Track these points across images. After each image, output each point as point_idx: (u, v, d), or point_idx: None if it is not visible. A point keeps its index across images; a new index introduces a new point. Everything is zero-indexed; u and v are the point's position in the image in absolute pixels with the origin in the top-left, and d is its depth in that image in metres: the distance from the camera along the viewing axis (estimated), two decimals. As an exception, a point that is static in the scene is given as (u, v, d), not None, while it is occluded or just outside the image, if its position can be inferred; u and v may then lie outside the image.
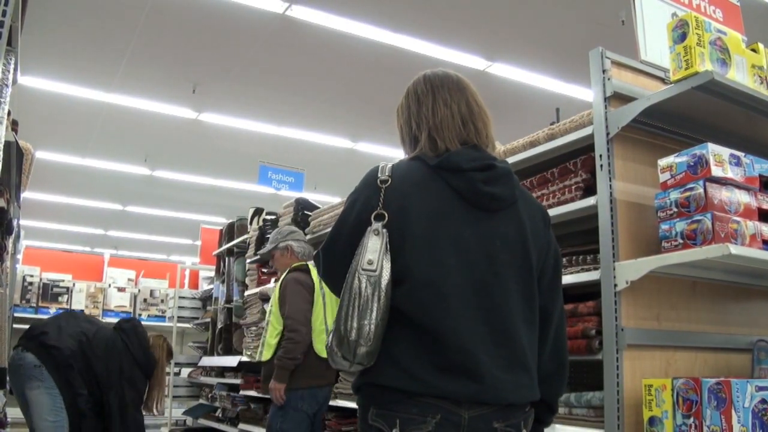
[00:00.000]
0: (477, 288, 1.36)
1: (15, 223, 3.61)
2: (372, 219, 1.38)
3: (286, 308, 3.30)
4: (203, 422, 6.10)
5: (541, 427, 1.53)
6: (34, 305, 7.70)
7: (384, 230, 1.37)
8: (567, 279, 2.27)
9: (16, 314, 6.77)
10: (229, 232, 6.36)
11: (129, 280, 8.02)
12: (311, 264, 3.54)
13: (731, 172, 1.93)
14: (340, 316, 1.32)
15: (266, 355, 3.33)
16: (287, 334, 3.25)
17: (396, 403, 1.32)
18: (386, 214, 1.38)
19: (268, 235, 5.11)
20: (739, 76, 2.04)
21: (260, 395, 4.69)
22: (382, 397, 1.34)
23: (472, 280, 1.36)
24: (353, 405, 3.59)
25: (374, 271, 1.32)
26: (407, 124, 1.54)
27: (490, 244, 1.40)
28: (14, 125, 2.99)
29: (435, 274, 1.35)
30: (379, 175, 1.44)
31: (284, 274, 3.48)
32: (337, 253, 1.46)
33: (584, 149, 2.36)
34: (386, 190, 1.41)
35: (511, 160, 2.57)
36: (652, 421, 1.94)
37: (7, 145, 2.50)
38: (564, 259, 2.34)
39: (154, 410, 3.54)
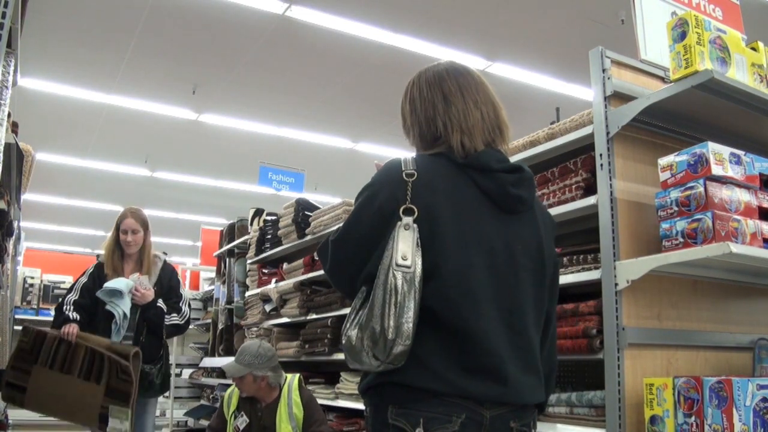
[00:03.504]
0: (500, 289, 1.36)
1: (15, 224, 3.61)
2: (401, 213, 1.33)
3: (315, 420, 3.35)
4: (204, 423, 6.09)
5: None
6: (35, 307, 7.71)
7: (415, 225, 1.31)
8: (568, 278, 2.27)
9: (16, 316, 6.77)
10: (230, 233, 6.36)
11: (130, 281, 8.01)
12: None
13: (731, 171, 1.93)
14: (373, 315, 1.26)
15: None
16: None
17: (419, 402, 1.29)
18: (415, 209, 1.33)
19: (268, 236, 5.12)
20: (739, 74, 2.04)
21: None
22: (404, 396, 1.30)
23: (496, 281, 1.36)
24: (355, 405, 3.59)
25: (409, 267, 1.27)
26: (431, 121, 1.46)
27: (513, 245, 1.39)
28: (14, 127, 2.99)
29: (463, 273, 1.33)
30: (404, 168, 1.38)
31: (295, 393, 3.36)
32: (350, 247, 1.39)
33: (584, 148, 2.36)
34: (413, 184, 1.35)
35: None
36: (653, 420, 1.94)
37: (8, 146, 2.50)
38: (564, 259, 2.34)
39: None
